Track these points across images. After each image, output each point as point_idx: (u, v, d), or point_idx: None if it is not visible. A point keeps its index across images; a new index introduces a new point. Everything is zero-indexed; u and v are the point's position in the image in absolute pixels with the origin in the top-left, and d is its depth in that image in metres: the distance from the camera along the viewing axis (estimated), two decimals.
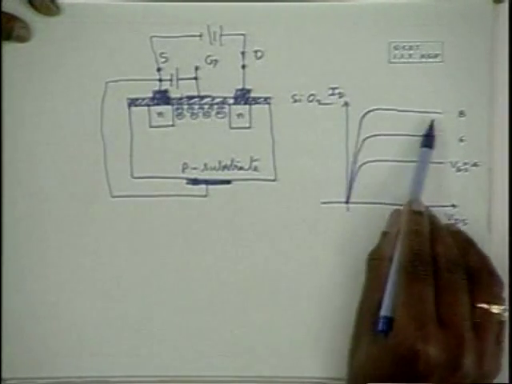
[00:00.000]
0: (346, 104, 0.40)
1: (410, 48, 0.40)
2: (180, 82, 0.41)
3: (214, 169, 0.41)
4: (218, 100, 0.41)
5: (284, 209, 0.41)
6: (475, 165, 0.40)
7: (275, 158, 0.41)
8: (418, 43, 0.40)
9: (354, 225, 0.41)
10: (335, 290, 0.40)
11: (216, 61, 0.41)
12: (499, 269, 0.40)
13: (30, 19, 0.40)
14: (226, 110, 0.41)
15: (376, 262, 0.38)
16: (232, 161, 0.41)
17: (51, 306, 0.41)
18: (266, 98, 0.41)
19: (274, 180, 0.41)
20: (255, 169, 0.41)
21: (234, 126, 0.41)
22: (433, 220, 0.38)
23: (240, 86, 0.41)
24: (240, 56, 0.40)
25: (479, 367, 0.34)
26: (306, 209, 0.41)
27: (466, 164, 0.40)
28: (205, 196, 0.41)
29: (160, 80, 0.41)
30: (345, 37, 0.40)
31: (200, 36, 0.40)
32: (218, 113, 0.41)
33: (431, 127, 0.40)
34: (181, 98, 0.41)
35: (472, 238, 0.38)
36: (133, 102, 0.41)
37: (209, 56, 0.40)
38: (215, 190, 0.41)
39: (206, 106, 0.41)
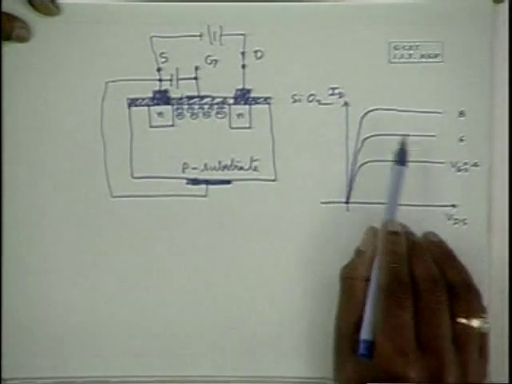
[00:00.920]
0: (346, 104, 0.40)
1: (410, 48, 0.40)
2: (180, 81, 0.41)
3: (213, 169, 0.41)
4: (218, 100, 0.41)
5: (284, 209, 0.41)
6: (475, 165, 0.40)
7: (275, 158, 0.41)
8: (417, 43, 0.40)
9: (354, 225, 0.41)
10: (335, 289, 0.40)
11: (216, 61, 0.41)
12: (499, 269, 0.40)
13: (30, 19, 0.40)
14: (226, 110, 0.41)
15: (351, 282, 0.37)
16: (232, 161, 0.41)
17: (51, 306, 0.41)
18: (265, 98, 0.41)
19: (274, 180, 0.41)
20: (255, 169, 0.41)
21: (234, 126, 0.41)
22: (410, 238, 0.38)
23: (240, 86, 0.41)
24: (240, 56, 0.40)
25: (463, 380, 0.34)
26: (306, 209, 0.41)
27: (466, 164, 0.40)
28: (205, 196, 0.41)
29: (160, 80, 0.41)
30: (345, 37, 0.40)
31: (200, 36, 0.40)
32: (217, 113, 0.41)
33: (403, 143, 0.39)
34: (181, 98, 0.41)
35: (450, 249, 0.38)
36: (133, 102, 0.41)
37: (209, 56, 0.40)
38: (215, 190, 0.41)
39: (206, 106, 0.41)
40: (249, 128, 0.41)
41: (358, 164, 0.41)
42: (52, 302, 0.41)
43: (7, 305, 0.41)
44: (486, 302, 0.40)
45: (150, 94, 0.41)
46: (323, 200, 0.41)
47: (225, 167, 0.41)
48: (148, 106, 0.41)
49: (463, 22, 0.40)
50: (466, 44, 0.40)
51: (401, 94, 0.40)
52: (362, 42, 0.40)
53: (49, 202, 0.41)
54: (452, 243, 0.40)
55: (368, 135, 0.41)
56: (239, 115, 0.41)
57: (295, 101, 0.41)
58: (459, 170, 0.40)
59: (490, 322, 0.36)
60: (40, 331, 0.41)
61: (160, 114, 0.41)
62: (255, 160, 0.41)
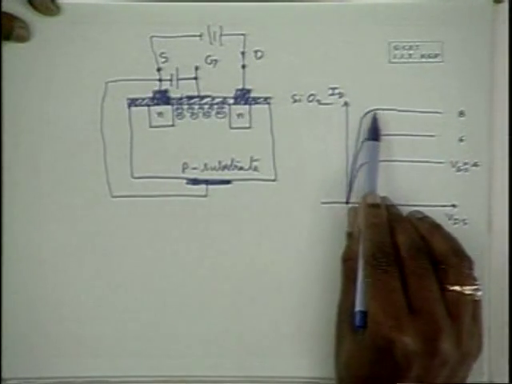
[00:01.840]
0: (346, 104, 0.40)
1: (410, 48, 0.40)
2: (180, 81, 0.41)
3: (214, 169, 0.41)
4: (218, 100, 0.41)
5: (284, 209, 0.41)
6: (475, 165, 0.40)
7: (275, 158, 0.41)
8: (418, 43, 0.40)
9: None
10: (335, 289, 0.40)
11: (216, 61, 0.40)
12: (499, 269, 0.40)
13: (29, 19, 0.40)
14: (226, 110, 0.41)
15: (348, 263, 0.38)
16: (232, 161, 0.41)
17: (51, 306, 0.41)
18: (265, 98, 0.41)
19: (274, 180, 0.41)
20: (255, 169, 0.41)
21: (233, 126, 0.41)
22: (392, 210, 0.39)
23: (240, 86, 0.41)
24: (240, 56, 0.40)
25: (458, 349, 0.34)
26: (306, 209, 0.41)
27: (466, 164, 0.40)
28: (205, 196, 0.41)
29: (160, 80, 0.41)
30: (345, 37, 0.40)
31: (200, 36, 0.40)
32: (218, 113, 0.41)
33: (374, 119, 0.40)
34: (181, 98, 0.41)
35: (436, 222, 0.38)
36: (133, 102, 0.41)
37: (209, 56, 0.40)
38: (215, 190, 0.41)
39: (206, 106, 0.41)
40: (249, 128, 0.41)
41: (358, 164, 0.41)
42: (52, 301, 0.41)
43: (7, 305, 0.41)
44: (485, 301, 0.40)
45: (150, 94, 0.41)
46: (323, 200, 0.41)
47: (225, 167, 0.41)
48: (148, 105, 0.41)
49: (463, 22, 0.40)
50: (466, 44, 0.40)
51: (401, 94, 0.40)
52: (362, 42, 0.40)
53: (49, 201, 0.41)
54: None
55: (368, 135, 0.41)
56: (239, 115, 0.41)
57: (295, 101, 0.41)
58: (459, 170, 0.40)
59: (482, 290, 0.36)
60: (40, 331, 0.41)
61: (160, 114, 0.41)
62: (255, 160, 0.41)
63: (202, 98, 0.41)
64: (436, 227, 0.38)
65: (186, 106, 0.41)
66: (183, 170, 0.41)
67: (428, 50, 0.40)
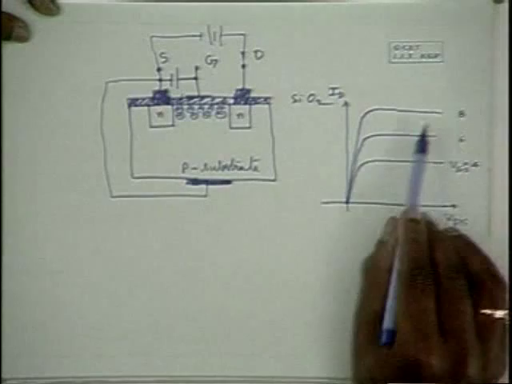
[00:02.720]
0: (346, 104, 0.40)
1: (410, 48, 0.40)
2: (180, 81, 0.41)
3: (214, 169, 0.41)
4: (218, 100, 0.41)
5: (284, 209, 0.41)
6: (475, 165, 0.40)
7: (275, 158, 0.41)
8: (418, 43, 0.40)
9: (354, 225, 0.41)
10: (336, 289, 0.40)
11: (216, 61, 0.40)
12: (499, 269, 0.40)
13: (29, 19, 0.40)
14: (226, 110, 0.41)
15: (373, 272, 0.38)
16: (232, 161, 0.41)
17: (51, 306, 0.41)
18: (265, 98, 0.41)
19: (274, 180, 0.41)
20: (255, 169, 0.41)
21: (233, 125, 0.41)
22: (431, 226, 0.38)
23: (240, 86, 0.41)
24: (240, 56, 0.40)
25: (484, 373, 0.34)
26: (306, 209, 0.41)
27: (466, 164, 0.40)
28: (205, 196, 0.41)
29: (160, 80, 0.41)
30: (345, 37, 0.40)
31: (200, 36, 0.40)
32: (218, 113, 0.41)
33: (424, 132, 0.40)
34: (181, 98, 0.41)
35: (473, 241, 0.38)
36: (133, 102, 0.41)
37: (209, 56, 0.40)
38: (215, 190, 0.41)
39: (206, 106, 0.41)
40: (249, 128, 0.41)
41: (358, 164, 0.41)
42: (52, 301, 0.41)
43: (7, 305, 0.41)
44: None
45: (150, 94, 0.41)
46: (323, 200, 0.41)
47: (225, 167, 0.41)
48: (148, 105, 0.41)
49: (463, 22, 0.40)
50: (466, 44, 0.40)
51: (401, 94, 0.40)
52: (362, 42, 0.40)
53: (49, 201, 0.41)
54: None
55: (368, 135, 0.41)
56: (239, 115, 0.41)
57: (295, 101, 0.41)
58: (459, 170, 0.40)
59: (508, 315, 0.36)
60: (40, 331, 0.41)
61: (160, 114, 0.41)
62: (255, 160, 0.41)
63: (202, 97, 0.41)
64: (472, 246, 0.38)
65: (186, 106, 0.41)
66: (183, 170, 0.41)
67: (428, 50, 0.40)
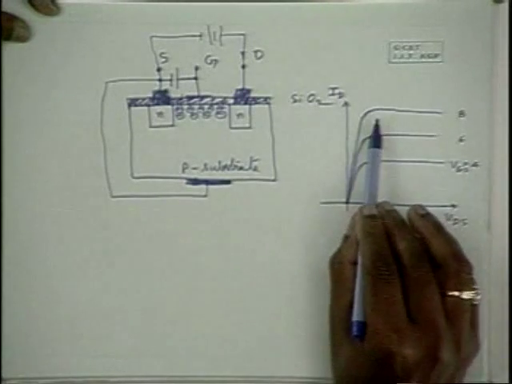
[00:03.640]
0: (346, 104, 0.41)
1: (410, 48, 0.40)
2: (180, 81, 0.41)
3: (214, 169, 0.41)
4: (217, 100, 0.41)
5: (284, 209, 0.41)
6: (475, 165, 0.40)
7: (275, 158, 0.41)
8: (418, 43, 0.40)
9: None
10: None
11: (216, 61, 0.41)
12: (499, 269, 0.40)
13: (29, 19, 0.40)
14: (226, 110, 0.41)
15: (339, 266, 0.38)
16: (232, 161, 0.41)
17: (51, 306, 0.41)
18: (265, 98, 0.41)
19: (274, 180, 0.41)
20: (255, 169, 0.41)
21: (233, 125, 0.41)
22: (392, 215, 0.38)
23: (240, 86, 0.41)
24: (240, 56, 0.40)
25: (457, 354, 0.34)
26: (306, 209, 0.41)
27: (466, 164, 0.40)
28: (205, 196, 0.41)
29: (160, 80, 0.41)
30: (345, 37, 0.40)
31: (200, 36, 0.40)
32: (218, 113, 0.41)
33: (377, 127, 0.40)
34: (181, 98, 0.41)
35: (440, 223, 0.38)
36: (133, 102, 0.41)
37: (209, 56, 0.40)
38: (215, 190, 0.41)
39: (206, 106, 0.41)
40: (249, 128, 0.41)
41: (358, 164, 0.41)
42: (52, 301, 0.41)
43: (7, 305, 0.41)
44: (485, 301, 0.40)
45: (150, 94, 0.41)
46: (323, 200, 0.41)
47: (225, 167, 0.41)
48: (148, 106, 0.41)
49: (463, 22, 0.40)
50: (466, 44, 0.40)
51: (401, 94, 0.40)
52: (362, 42, 0.40)
53: (49, 201, 0.41)
54: None
55: (368, 135, 0.41)
56: (239, 115, 0.41)
57: (295, 101, 0.41)
58: (459, 170, 0.40)
59: (481, 294, 0.36)
60: (40, 331, 0.41)
61: (160, 114, 0.41)
62: (255, 160, 0.41)
63: (202, 98, 0.41)
64: (437, 228, 0.38)
65: (186, 106, 0.41)
66: (183, 170, 0.41)
67: (428, 50, 0.40)
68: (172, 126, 0.41)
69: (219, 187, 0.41)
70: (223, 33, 0.40)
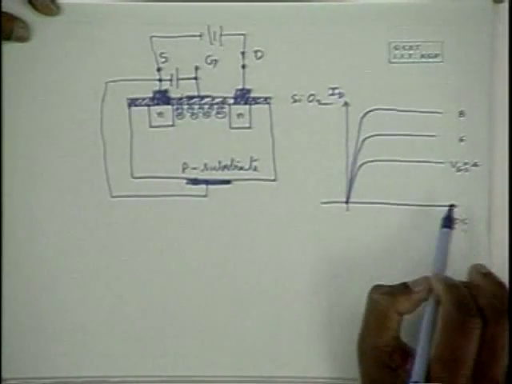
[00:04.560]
0: (346, 104, 0.41)
1: (410, 48, 0.40)
2: (180, 81, 0.41)
3: (214, 169, 0.41)
4: (217, 100, 0.41)
5: (284, 209, 0.41)
6: (475, 165, 0.40)
7: (275, 158, 0.41)
8: (418, 43, 0.40)
9: (354, 225, 0.41)
10: (335, 289, 0.40)
11: (216, 61, 0.41)
12: (499, 269, 0.40)
13: (30, 19, 0.40)
14: (226, 110, 0.41)
15: (384, 308, 0.36)
16: (232, 161, 0.41)
17: (51, 306, 0.41)
18: (265, 98, 0.41)
19: (274, 180, 0.41)
20: (255, 169, 0.41)
21: (234, 126, 0.41)
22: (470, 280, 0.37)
23: (240, 86, 0.41)
24: (240, 56, 0.40)
25: None
26: (306, 209, 0.41)
27: (466, 164, 0.40)
28: (205, 196, 0.41)
29: (160, 80, 0.41)
30: (345, 37, 0.40)
31: (200, 36, 0.40)
32: (218, 113, 0.41)
33: (451, 211, 0.40)
34: (181, 98, 0.41)
35: (502, 281, 0.37)
36: (133, 102, 0.41)
37: (209, 56, 0.40)
38: (215, 190, 0.41)
39: (206, 106, 0.41)
40: (249, 128, 0.41)
41: (358, 164, 0.41)
42: (52, 301, 0.41)
43: (7, 305, 0.41)
44: None
45: (150, 94, 0.41)
46: (323, 200, 0.41)
47: (225, 167, 0.41)
48: (148, 105, 0.41)
49: (463, 22, 0.40)
50: (466, 44, 0.40)
51: (401, 94, 0.40)
52: (362, 42, 0.40)
53: (49, 201, 0.41)
54: (452, 243, 0.40)
55: (368, 135, 0.41)
56: (239, 115, 0.41)
57: (295, 101, 0.41)
58: (459, 170, 0.40)
59: None
60: (40, 331, 0.41)
61: (160, 114, 0.41)
62: (255, 160, 0.41)
63: (202, 98, 0.41)
64: (502, 286, 0.36)
65: (186, 106, 0.41)
66: (183, 170, 0.41)
67: (428, 50, 0.40)
68: (172, 126, 0.41)
69: (219, 187, 0.41)
70: (223, 33, 0.40)
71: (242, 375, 0.41)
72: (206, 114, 0.41)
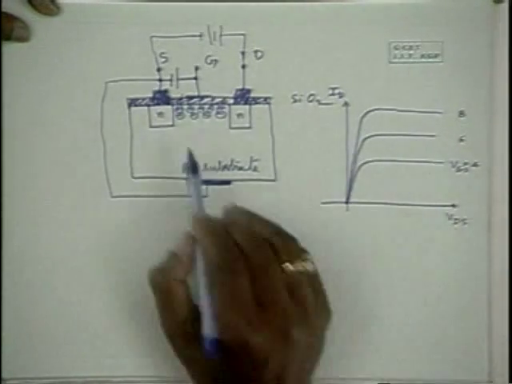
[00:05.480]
0: (346, 104, 0.41)
1: (410, 48, 0.40)
2: (180, 81, 0.41)
3: (214, 169, 0.41)
4: (217, 100, 0.41)
5: (284, 209, 0.41)
6: (475, 165, 0.40)
7: (275, 158, 0.41)
8: (418, 43, 0.40)
9: (354, 225, 0.41)
10: (334, 289, 0.40)
11: (216, 61, 0.41)
12: (499, 269, 0.40)
13: (30, 19, 0.40)
14: (226, 110, 0.41)
15: (167, 284, 0.36)
16: (232, 161, 0.41)
17: (51, 306, 0.41)
18: (265, 98, 0.41)
19: (274, 180, 0.41)
20: (255, 169, 0.41)
21: (233, 126, 0.41)
22: (227, 215, 0.38)
23: (240, 86, 0.41)
24: (240, 56, 0.40)
25: (307, 328, 0.34)
26: (306, 209, 0.41)
27: (466, 164, 0.40)
28: (205, 196, 0.41)
29: (160, 80, 0.41)
30: (345, 37, 0.40)
31: (200, 36, 0.40)
32: (218, 113, 0.41)
33: (190, 155, 0.39)
34: (181, 98, 0.41)
35: (250, 211, 0.37)
36: (133, 102, 0.41)
37: (209, 56, 0.40)
38: (215, 190, 0.41)
39: (206, 106, 0.41)
40: (249, 128, 0.41)
41: (358, 164, 0.41)
42: (52, 301, 0.41)
43: (7, 305, 0.41)
44: (485, 301, 0.40)
45: (150, 94, 0.41)
46: (323, 200, 0.41)
47: (225, 167, 0.41)
48: (148, 105, 0.41)
49: (463, 22, 0.40)
50: (466, 44, 0.40)
51: (401, 94, 0.40)
52: (362, 42, 0.40)
53: (49, 201, 0.41)
54: (452, 243, 0.40)
55: (368, 135, 0.41)
56: (239, 115, 0.41)
57: (295, 101, 0.41)
58: (459, 170, 0.40)
59: (313, 261, 0.35)
60: (40, 331, 0.41)
61: (160, 114, 0.41)
62: (255, 160, 0.41)
63: (202, 98, 0.41)
64: (251, 214, 0.37)
65: (186, 106, 0.41)
66: (183, 170, 0.41)
67: (428, 50, 0.40)
68: (172, 126, 0.41)
69: (219, 187, 0.41)
70: (223, 33, 0.40)
71: None
72: (206, 114, 0.41)
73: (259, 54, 0.40)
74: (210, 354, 0.34)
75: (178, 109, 0.41)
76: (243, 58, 0.40)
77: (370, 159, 0.41)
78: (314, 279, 0.35)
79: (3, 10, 0.39)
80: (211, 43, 0.40)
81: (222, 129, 0.41)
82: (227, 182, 0.41)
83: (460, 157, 0.40)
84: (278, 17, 0.40)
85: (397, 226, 0.41)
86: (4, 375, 0.41)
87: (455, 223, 0.41)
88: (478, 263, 0.40)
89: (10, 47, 0.40)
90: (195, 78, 0.41)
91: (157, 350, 0.41)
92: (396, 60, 0.40)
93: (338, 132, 0.41)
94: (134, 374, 0.41)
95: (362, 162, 0.41)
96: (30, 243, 0.41)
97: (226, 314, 0.33)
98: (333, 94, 0.41)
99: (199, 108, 0.41)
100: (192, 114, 0.41)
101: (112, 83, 0.40)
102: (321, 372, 0.40)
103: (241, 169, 0.41)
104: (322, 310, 0.35)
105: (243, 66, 0.40)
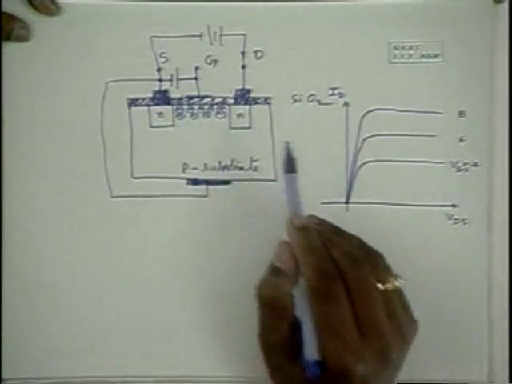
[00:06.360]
0: (346, 104, 0.41)
1: (410, 48, 0.40)
2: (180, 81, 0.41)
3: (214, 169, 0.41)
4: (218, 100, 0.41)
5: (284, 209, 0.41)
6: (475, 165, 0.40)
7: (275, 158, 0.41)
8: (418, 43, 0.40)
9: (354, 225, 0.40)
10: None
11: (216, 61, 0.41)
12: (499, 269, 0.40)
13: (29, 19, 0.40)
14: (226, 110, 0.41)
15: (272, 300, 0.35)
16: (232, 161, 0.41)
17: (51, 306, 0.41)
18: (266, 98, 0.41)
19: (273, 180, 0.41)
20: (255, 169, 0.41)
21: (233, 126, 0.41)
22: (324, 225, 0.36)
23: (240, 86, 0.41)
24: (240, 56, 0.40)
25: (403, 345, 0.34)
26: (306, 209, 0.41)
27: (466, 164, 0.40)
28: (205, 196, 0.41)
29: (160, 80, 0.41)
30: (345, 37, 0.40)
31: (200, 36, 0.40)
32: (218, 113, 0.41)
33: (288, 151, 0.37)
34: (181, 98, 0.41)
35: (336, 226, 0.36)
36: (133, 102, 0.41)
37: (209, 56, 0.40)
38: (215, 190, 0.41)
39: (206, 106, 0.41)
40: (249, 128, 0.41)
41: (358, 164, 0.41)
42: (52, 301, 0.41)
43: (7, 305, 0.41)
44: (485, 301, 0.40)
45: (150, 94, 0.41)
46: (323, 200, 0.41)
47: (225, 167, 0.41)
48: (148, 105, 0.41)
49: (463, 22, 0.40)
50: (466, 44, 0.40)
51: (401, 94, 0.40)
52: (362, 42, 0.40)
53: (49, 201, 0.41)
54: (452, 243, 0.40)
55: (368, 135, 0.41)
56: (239, 115, 0.41)
57: (295, 101, 0.41)
58: (459, 170, 0.40)
59: (400, 277, 0.35)
60: (40, 331, 0.41)
61: (160, 114, 0.41)
62: (255, 160, 0.41)
63: (202, 98, 0.41)
64: (339, 230, 0.36)
65: (186, 106, 0.41)
66: (183, 170, 0.41)
67: (428, 49, 0.40)
68: (172, 126, 0.41)
69: (219, 187, 0.41)
70: (223, 33, 0.40)
71: (242, 375, 0.41)
72: (206, 114, 0.41)
73: (259, 54, 0.40)
74: (312, 375, 0.33)
75: (178, 109, 0.41)
76: (243, 58, 0.40)
77: (370, 159, 0.41)
78: (401, 293, 0.35)
79: (3, 10, 0.39)
80: (211, 43, 0.40)
81: (222, 129, 0.41)
82: (227, 182, 0.41)
83: (460, 157, 0.40)
84: (278, 17, 0.40)
85: (397, 225, 0.41)
86: (4, 375, 0.41)
87: (455, 223, 0.41)
88: (478, 263, 0.40)
89: (9, 47, 0.40)
90: (195, 78, 0.41)
91: (156, 350, 0.41)
92: (396, 60, 0.40)
93: (338, 132, 0.41)
94: (134, 374, 0.41)
95: (362, 162, 0.41)
96: (30, 243, 0.41)
97: (329, 341, 0.33)
98: (333, 94, 0.41)
99: (199, 108, 0.41)
100: (192, 114, 0.41)
101: (112, 83, 0.40)
102: None
103: (241, 169, 0.41)
104: (411, 322, 0.35)
105: (243, 66, 0.40)
